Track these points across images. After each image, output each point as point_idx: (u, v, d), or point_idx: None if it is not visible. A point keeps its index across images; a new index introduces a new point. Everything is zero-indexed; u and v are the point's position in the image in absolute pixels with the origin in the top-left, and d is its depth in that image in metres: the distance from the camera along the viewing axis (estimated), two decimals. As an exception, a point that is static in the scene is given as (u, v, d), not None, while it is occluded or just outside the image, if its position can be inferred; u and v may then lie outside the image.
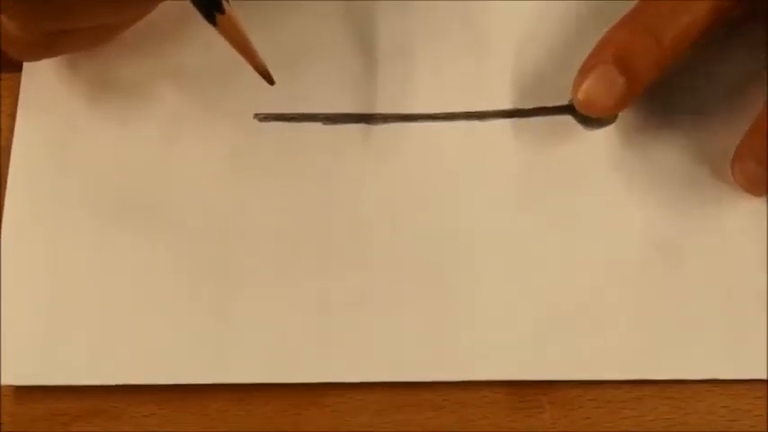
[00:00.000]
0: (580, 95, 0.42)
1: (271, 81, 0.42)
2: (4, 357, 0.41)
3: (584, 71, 0.42)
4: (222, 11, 0.40)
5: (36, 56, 0.43)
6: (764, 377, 0.41)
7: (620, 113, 0.44)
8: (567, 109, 0.44)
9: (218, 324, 0.42)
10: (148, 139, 0.44)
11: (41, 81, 0.45)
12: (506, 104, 0.45)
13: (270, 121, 0.45)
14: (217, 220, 0.43)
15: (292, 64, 0.45)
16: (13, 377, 0.41)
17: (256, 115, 0.45)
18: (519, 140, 0.44)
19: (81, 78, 0.45)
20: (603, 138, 0.44)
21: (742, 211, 0.43)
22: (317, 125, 0.45)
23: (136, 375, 0.41)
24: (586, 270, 0.42)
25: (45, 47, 0.41)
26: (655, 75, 0.42)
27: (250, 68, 0.42)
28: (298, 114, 0.45)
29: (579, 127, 0.44)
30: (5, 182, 0.44)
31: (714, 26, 0.43)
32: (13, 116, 0.45)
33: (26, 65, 0.46)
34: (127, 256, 0.43)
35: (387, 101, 0.45)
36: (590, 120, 0.44)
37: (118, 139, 0.45)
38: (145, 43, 0.46)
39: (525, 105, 0.45)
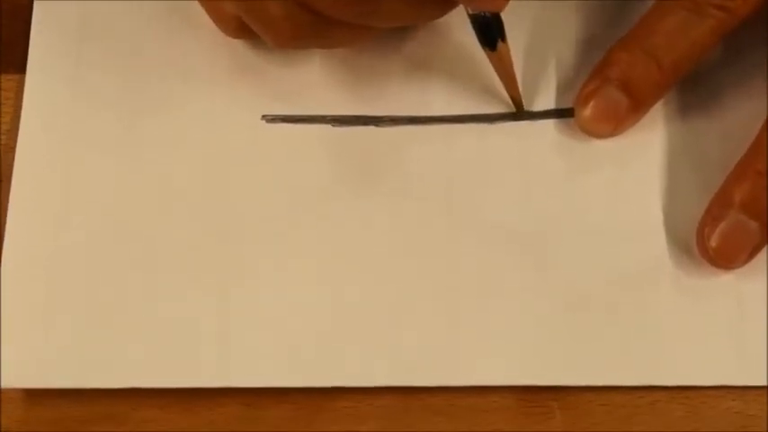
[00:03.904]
0: (584, 114, 0.43)
1: (521, 109, 0.44)
2: (6, 360, 0.41)
3: (587, 91, 0.43)
4: (505, 39, 0.42)
5: (298, 43, 0.42)
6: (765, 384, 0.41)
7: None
8: (574, 112, 0.44)
9: (225, 328, 0.41)
10: (153, 141, 0.44)
11: (46, 80, 0.45)
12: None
13: (277, 122, 0.44)
14: (223, 223, 0.43)
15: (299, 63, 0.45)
16: (14, 380, 0.41)
17: (264, 116, 0.44)
18: (527, 142, 0.44)
19: (86, 78, 0.45)
20: (613, 138, 0.44)
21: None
22: (325, 127, 0.44)
23: (143, 379, 0.41)
24: (596, 275, 0.42)
25: (312, 35, 0.41)
26: (657, 98, 0.43)
27: (259, 69, 0.42)
28: (305, 116, 0.44)
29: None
30: (8, 180, 0.43)
31: (714, 45, 0.43)
32: (17, 116, 0.44)
33: (31, 63, 0.45)
34: (132, 258, 0.42)
35: (395, 103, 0.44)
36: None
37: (122, 141, 0.44)
38: (150, 44, 0.45)
39: (534, 108, 0.44)
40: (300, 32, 0.40)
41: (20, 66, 0.45)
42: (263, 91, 0.45)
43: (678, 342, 0.41)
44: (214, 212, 0.43)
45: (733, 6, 0.42)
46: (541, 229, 0.43)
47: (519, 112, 0.44)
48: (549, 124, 0.44)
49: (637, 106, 0.43)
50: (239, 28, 0.42)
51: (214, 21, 0.43)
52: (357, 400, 0.41)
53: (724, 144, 0.43)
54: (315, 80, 0.45)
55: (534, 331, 0.41)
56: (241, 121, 0.44)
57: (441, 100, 0.44)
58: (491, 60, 0.43)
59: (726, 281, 0.42)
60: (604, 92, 0.43)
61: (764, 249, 0.42)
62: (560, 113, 0.44)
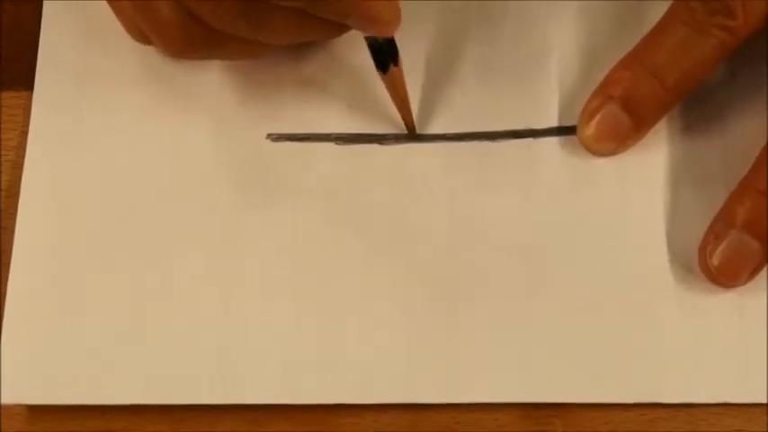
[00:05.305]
0: (587, 132, 0.43)
1: (414, 134, 0.44)
2: (7, 376, 0.41)
3: (589, 110, 0.43)
4: (397, 63, 0.42)
5: (191, 53, 0.42)
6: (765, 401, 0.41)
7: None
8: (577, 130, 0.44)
9: (230, 344, 0.41)
10: (158, 159, 0.44)
11: (53, 97, 0.45)
12: (518, 125, 0.45)
13: (282, 141, 0.45)
14: (227, 240, 0.43)
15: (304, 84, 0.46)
16: (15, 396, 0.41)
17: (269, 135, 0.45)
18: (530, 160, 0.44)
19: (92, 94, 0.45)
20: (616, 156, 0.44)
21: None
22: (329, 145, 0.45)
23: (147, 395, 0.41)
24: (599, 292, 0.42)
25: (204, 46, 0.41)
26: (659, 116, 0.44)
27: (266, 88, 0.43)
28: (310, 134, 0.45)
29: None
30: (16, 197, 0.44)
31: (716, 64, 0.43)
32: (24, 132, 0.45)
33: (38, 80, 0.45)
34: (138, 274, 0.43)
35: (399, 121, 0.45)
36: None
37: (128, 157, 0.44)
38: (158, 63, 0.46)
39: (536, 126, 0.45)
40: (192, 43, 0.41)
41: (23, 82, 0.46)
42: (269, 109, 0.45)
43: (680, 359, 0.41)
44: (219, 231, 0.43)
45: (734, 26, 0.42)
46: (544, 247, 0.43)
47: (516, 131, 0.44)
48: (553, 141, 0.44)
49: (639, 125, 0.43)
50: (143, 34, 0.43)
51: (123, 26, 0.44)
52: (360, 417, 0.41)
53: (726, 162, 0.44)
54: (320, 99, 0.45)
55: (536, 348, 0.41)
56: (247, 133, 0.45)
57: (444, 118, 0.45)
58: (384, 82, 0.43)
59: (728, 298, 0.42)
60: (607, 110, 0.43)
61: (766, 268, 0.42)
62: (563, 131, 0.44)
